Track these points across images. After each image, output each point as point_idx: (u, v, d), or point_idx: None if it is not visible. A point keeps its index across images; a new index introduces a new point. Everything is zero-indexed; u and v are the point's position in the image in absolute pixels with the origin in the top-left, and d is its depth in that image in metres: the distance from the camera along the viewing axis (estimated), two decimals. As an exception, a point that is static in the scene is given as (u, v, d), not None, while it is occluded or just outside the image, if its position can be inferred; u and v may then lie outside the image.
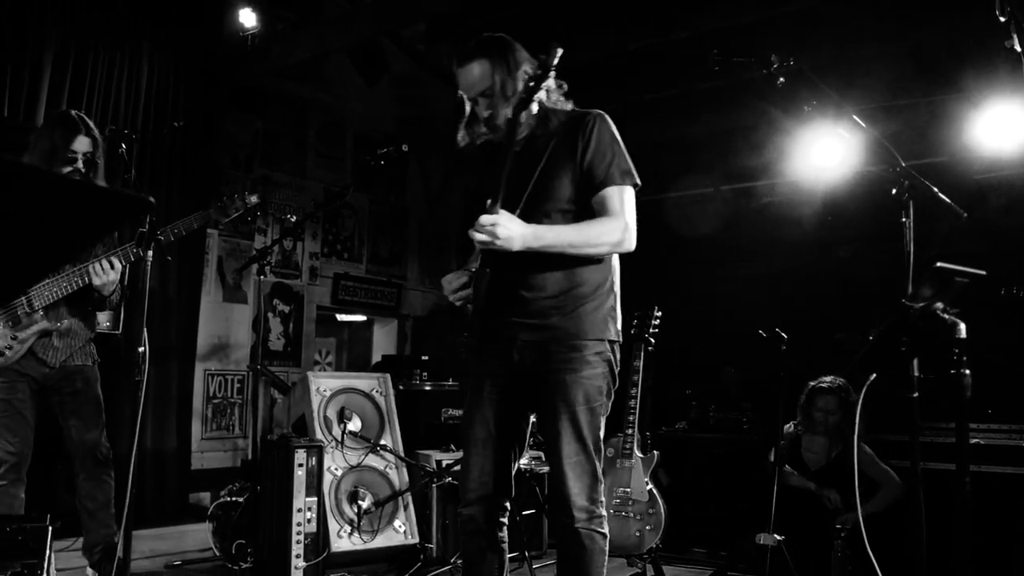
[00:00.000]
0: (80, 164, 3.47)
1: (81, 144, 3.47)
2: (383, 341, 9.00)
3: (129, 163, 3.53)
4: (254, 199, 3.74)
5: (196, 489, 6.62)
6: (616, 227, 2.63)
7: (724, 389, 6.79)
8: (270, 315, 7.34)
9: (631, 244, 2.67)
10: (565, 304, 2.65)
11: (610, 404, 2.72)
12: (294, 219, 5.51)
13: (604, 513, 2.65)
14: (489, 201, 2.51)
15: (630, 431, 4.67)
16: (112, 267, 3.44)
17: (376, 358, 8.57)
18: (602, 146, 2.67)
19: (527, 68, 2.68)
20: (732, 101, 6.99)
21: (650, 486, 4.59)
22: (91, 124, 3.54)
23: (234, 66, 6.82)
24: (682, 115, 7.15)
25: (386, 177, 8.47)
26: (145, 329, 3.18)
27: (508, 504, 2.79)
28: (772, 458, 4.55)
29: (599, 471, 2.65)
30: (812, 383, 4.81)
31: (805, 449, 4.80)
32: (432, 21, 7.39)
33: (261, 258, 4.42)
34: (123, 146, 3.62)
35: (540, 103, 2.67)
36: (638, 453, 4.67)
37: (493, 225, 2.47)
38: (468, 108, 2.79)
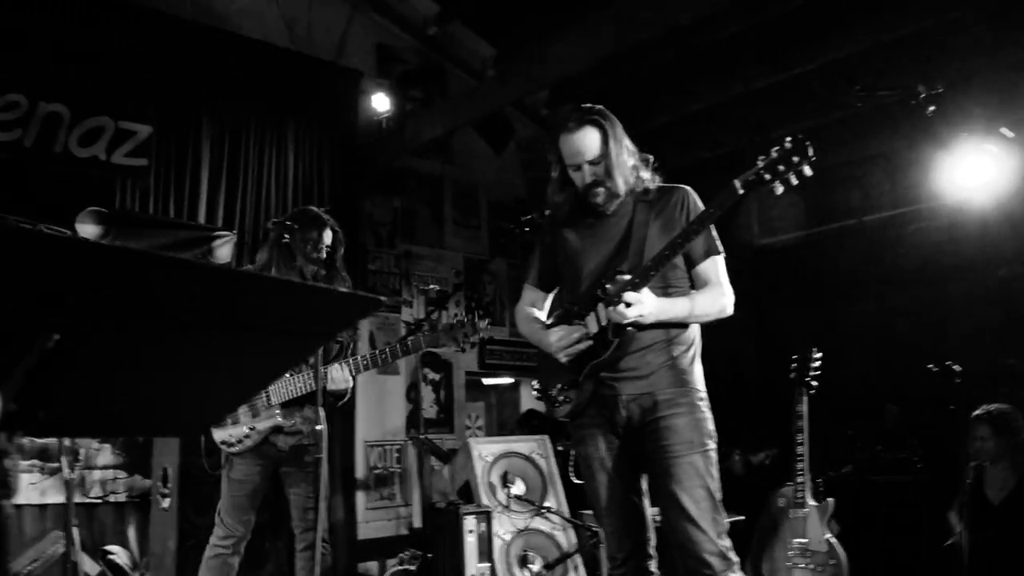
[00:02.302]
0: (324, 254, 3.81)
1: (328, 237, 3.83)
2: (530, 401, 9.05)
3: (295, 255, 3.73)
4: (484, 324, 3.93)
5: (363, 559, 6.79)
6: (723, 296, 2.82)
7: (887, 427, 6.51)
8: (422, 384, 7.51)
9: (732, 309, 2.86)
10: (667, 358, 2.77)
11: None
12: (437, 289, 5.66)
13: (737, 559, 2.68)
14: (630, 277, 2.66)
15: (801, 479, 4.51)
16: (345, 379, 3.74)
17: (525, 420, 8.63)
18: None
19: (626, 141, 2.86)
20: (864, 131, 6.82)
21: (828, 535, 4.42)
22: (333, 220, 3.90)
23: (371, 149, 7.14)
24: (816, 149, 7.00)
25: (522, 240, 8.60)
26: (321, 409, 3.34)
27: (654, 552, 2.85)
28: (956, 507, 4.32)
29: (724, 515, 2.71)
30: (974, 413, 4.57)
31: (986, 485, 4.54)
32: (554, 86, 7.56)
33: (417, 331, 4.57)
34: (286, 237, 3.82)
35: (638, 175, 2.86)
36: (811, 501, 4.50)
37: (640, 304, 2.62)
38: (558, 172, 2.94)
